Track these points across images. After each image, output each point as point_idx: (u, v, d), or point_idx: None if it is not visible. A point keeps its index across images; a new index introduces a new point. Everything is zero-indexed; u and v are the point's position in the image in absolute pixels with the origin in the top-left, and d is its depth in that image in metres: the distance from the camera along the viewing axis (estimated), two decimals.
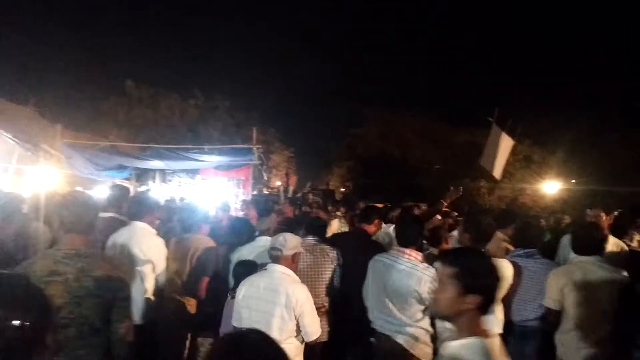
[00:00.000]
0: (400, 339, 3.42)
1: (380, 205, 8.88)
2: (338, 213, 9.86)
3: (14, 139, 9.17)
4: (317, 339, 3.22)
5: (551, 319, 3.48)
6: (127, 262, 3.80)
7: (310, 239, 4.14)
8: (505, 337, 3.48)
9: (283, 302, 3.06)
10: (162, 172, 12.15)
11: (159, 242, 4.08)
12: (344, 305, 3.95)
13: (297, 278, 3.26)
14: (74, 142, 11.20)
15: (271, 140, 27.81)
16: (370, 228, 4.45)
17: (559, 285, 3.41)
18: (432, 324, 3.53)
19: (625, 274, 3.41)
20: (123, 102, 24.24)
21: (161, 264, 4.06)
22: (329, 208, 12.35)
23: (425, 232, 4.34)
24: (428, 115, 29.68)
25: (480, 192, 24.72)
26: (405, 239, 3.58)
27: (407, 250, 3.51)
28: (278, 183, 23.28)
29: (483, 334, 1.76)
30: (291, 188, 16.53)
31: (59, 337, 2.33)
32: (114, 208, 4.57)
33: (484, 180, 23.41)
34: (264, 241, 4.08)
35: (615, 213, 6.28)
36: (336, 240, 4.34)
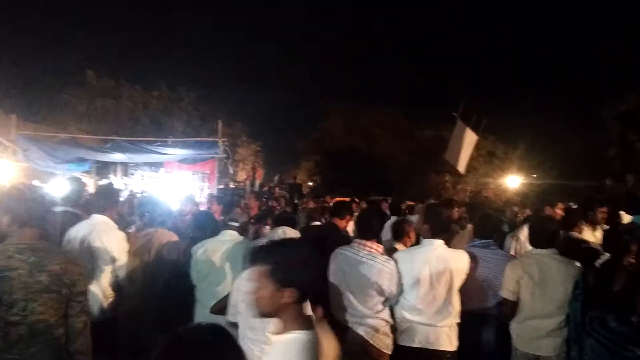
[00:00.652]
0: (361, 330, 3.48)
1: (346, 199, 8.98)
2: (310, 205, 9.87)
3: None
4: None
5: (507, 309, 3.60)
6: (87, 256, 3.73)
7: (280, 232, 4.09)
8: (462, 325, 3.59)
9: None
10: (124, 165, 11.86)
11: (120, 236, 4.00)
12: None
13: None
14: (30, 134, 10.80)
15: (238, 134, 27.50)
16: (342, 223, 4.55)
17: (515, 277, 3.52)
18: (392, 316, 3.60)
19: (578, 265, 3.51)
20: (83, 93, 23.45)
21: (122, 258, 3.99)
22: (296, 202, 12.36)
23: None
24: (394, 110, 30.00)
25: (445, 185, 25.18)
26: (366, 232, 3.62)
27: (368, 243, 3.56)
28: (244, 177, 23.06)
29: (306, 325, 1.79)
30: (258, 182, 16.41)
31: (11, 334, 2.27)
32: (69, 202, 4.45)
33: (448, 174, 23.86)
34: (229, 235, 4.01)
35: (574, 206, 6.47)
36: (307, 234, 4.37)
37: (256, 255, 1.91)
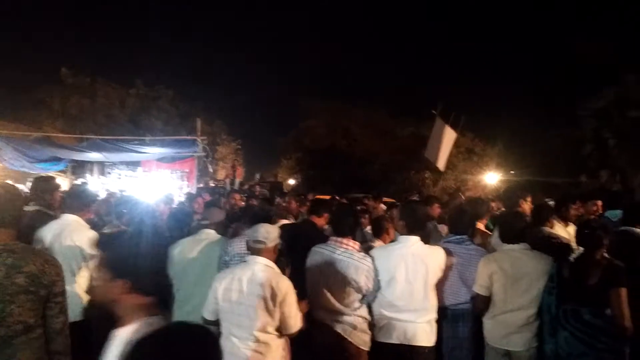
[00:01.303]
0: (339, 328, 3.49)
1: (327, 197, 8.97)
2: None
3: None
4: (297, 331, 3.18)
5: (480, 304, 3.63)
6: (59, 256, 3.61)
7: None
8: (439, 320, 3.62)
9: (268, 295, 3.01)
10: (101, 164, 11.67)
11: (92, 235, 3.93)
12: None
13: (279, 270, 3.21)
14: (3, 133, 10.54)
15: (217, 132, 27.29)
16: (320, 221, 4.53)
17: (488, 272, 3.56)
18: (370, 312, 3.61)
19: (549, 259, 3.55)
20: (58, 90, 22.96)
21: (96, 257, 3.89)
22: (277, 200, 12.28)
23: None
24: (375, 109, 30.08)
25: (425, 183, 25.38)
26: (342, 230, 3.62)
27: (345, 240, 3.57)
28: (224, 175, 22.88)
29: (142, 316, 1.77)
30: (238, 180, 16.30)
31: None
32: (39, 201, 4.36)
33: (428, 171, 24.05)
34: (206, 234, 3.96)
35: (551, 202, 6.56)
36: (285, 232, 4.34)
37: (99, 246, 1.97)
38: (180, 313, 3.71)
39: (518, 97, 23.60)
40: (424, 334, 3.54)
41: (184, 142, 11.34)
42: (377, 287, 3.57)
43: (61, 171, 11.03)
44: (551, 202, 6.64)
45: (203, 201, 7.23)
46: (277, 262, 3.21)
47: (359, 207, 5.99)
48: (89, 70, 24.13)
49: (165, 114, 24.55)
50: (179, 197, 9.64)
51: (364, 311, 3.56)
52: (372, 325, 3.60)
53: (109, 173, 11.60)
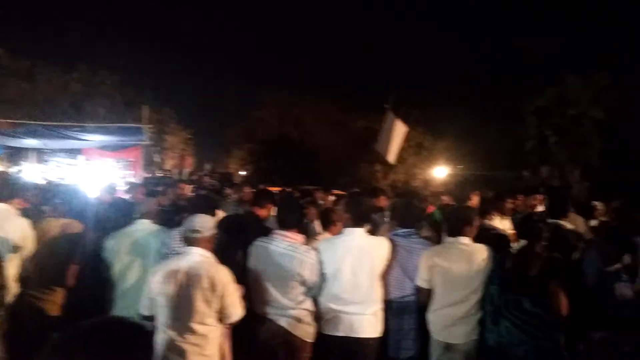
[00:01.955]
0: (283, 322, 3.45)
1: (276, 189, 8.87)
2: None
3: None
4: (238, 320, 3.14)
5: (422, 297, 3.68)
6: None
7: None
8: (384, 312, 3.63)
9: (206, 285, 2.96)
10: (39, 151, 11.06)
11: (24, 224, 3.78)
12: None
13: (215, 260, 3.14)
14: None
15: (166, 120, 26.49)
16: (262, 212, 4.41)
17: (428, 266, 3.60)
18: (316, 304, 3.58)
19: (488, 252, 3.60)
20: None
21: (28, 247, 3.79)
22: (227, 191, 12.05)
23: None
24: (326, 100, 30.09)
25: (375, 175, 25.69)
26: (286, 222, 3.56)
27: (288, 233, 3.51)
28: (173, 165, 22.26)
29: None
30: (187, 170, 15.90)
31: None
32: None
33: (379, 164, 24.35)
34: (142, 225, 3.80)
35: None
36: (225, 224, 4.22)
37: None
38: (118, 307, 3.56)
39: (466, 93, 24.18)
40: (370, 325, 3.54)
41: (128, 129, 10.90)
42: (323, 280, 3.54)
43: None
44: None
45: (144, 191, 6.99)
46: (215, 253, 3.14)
47: (306, 200, 5.95)
48: (29, 53, 22.87)
49: (110, 100, 23.55)
50: (123, 187, 9.28)
51: (308, 304, 3.53)
52: (317, 317, 3.57)
53: (47, 161, 11.04)
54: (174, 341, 2.95)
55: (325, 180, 19.38)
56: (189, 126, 30.06)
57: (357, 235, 3.55)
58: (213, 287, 2.98)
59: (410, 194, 5.52)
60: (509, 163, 22.87)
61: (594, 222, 5.46)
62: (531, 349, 3.51)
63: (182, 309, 2.96)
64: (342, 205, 3.96)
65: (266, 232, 3.76)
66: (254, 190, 7.77)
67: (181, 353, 2.96)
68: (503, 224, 5.03)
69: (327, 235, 4.46)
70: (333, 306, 3.55)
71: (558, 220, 4.59)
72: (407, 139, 12.21)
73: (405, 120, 10.84)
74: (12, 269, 3.68)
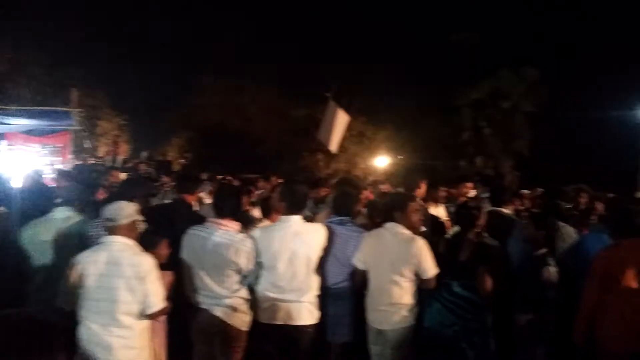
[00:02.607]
0: (218, 311, 3.38)
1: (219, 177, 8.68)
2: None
3: None
4: (161, 310, 3.04)
5: (357, 277, 3.76)
6: None
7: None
8: (321, 298, 3.64)
9: (129, 274, 2.87)
10: None
11: None
12: None
13: (138, 248, 3.04)
14: None
15: (99, 105, 25.21)
16: (192, 198, 4.29)
17: (364, 248, 3.71)
18: (253, 293, 3.53)
19: (418, 238, 3.65)
20: None
21: None
22: (163, 179, 11.67)
23: None
24: (269, 89, 29.77)
25: (318, 164, 25.80)
26: (222, 211, 3.49)
27: (224, 222, 3.44)
28: (106, 152, 21.27)
29: None
30: (121, 158, 15.22)
31: None
32: None
33: (321, 153, 24.45)
34: (62, 213, 3.59)
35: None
36: (153, 211, 4.08)
37: None
38: (35, 301, 3.36)
39: (406, 84, 24.73)
40: (307, 312, 3.54)
41: (56, 113, 10.34)
42: (259, 268, 3.50)
43: None
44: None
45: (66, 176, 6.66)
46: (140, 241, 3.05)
47: (245, 188, 5.87)
48: None
49: (36, 82, 22.08)
50: (50, 174, 8.79)
51: (244, 292, 3.48)
52: (255, 307, 3.53)
53: None
54: (98, 335, 2.83)
55: (267, 169, 19.24)
56: (124, 112, 28.77)
57: (293, 223, 3.52)
58: (137, 275, 2.89)
59: (346, 182, 5.54)
60: (447, 153, 23.69)
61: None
62: (460, 330, 3.67)
63: (104, 300, 2.86)
64: (276, 194, 3.91)
65: (197, 219, 3.65)
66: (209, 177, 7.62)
67: (106, 347, 2.84)
68: (437, 211, 5.18)
69: (267, 223, 4.42)
70: (270, 294, 3.51)
71: (500, 208, 4.81)
72: (349, 128, 12.32)
73: (347, 110, 10.91)
74: None
